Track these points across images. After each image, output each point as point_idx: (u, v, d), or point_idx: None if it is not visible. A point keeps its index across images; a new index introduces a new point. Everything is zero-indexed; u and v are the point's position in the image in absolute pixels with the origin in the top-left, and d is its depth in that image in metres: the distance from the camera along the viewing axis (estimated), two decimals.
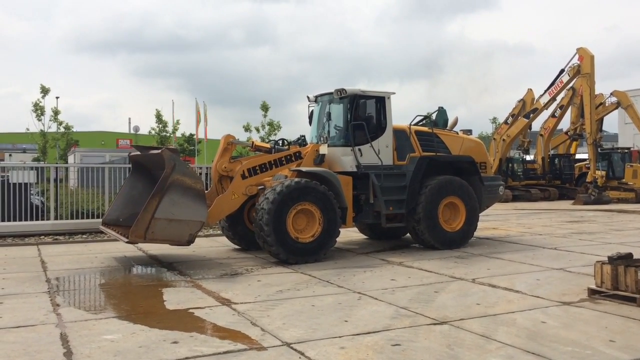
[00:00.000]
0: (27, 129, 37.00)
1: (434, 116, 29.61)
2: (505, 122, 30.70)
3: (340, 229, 9.99)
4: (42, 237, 12.81)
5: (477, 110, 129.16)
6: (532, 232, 14.08)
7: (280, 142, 11.74)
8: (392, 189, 10.60)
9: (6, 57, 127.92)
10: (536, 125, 31.44)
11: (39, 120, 33.94)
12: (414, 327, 5.66)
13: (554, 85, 27.77)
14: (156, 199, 8.98)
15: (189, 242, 9.42)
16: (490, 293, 7.26)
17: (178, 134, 43.82)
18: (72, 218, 13.53)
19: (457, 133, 12.48)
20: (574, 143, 33.27)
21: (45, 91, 33.94)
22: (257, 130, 40.52)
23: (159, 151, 9.52)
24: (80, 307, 6.70)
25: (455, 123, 13.23)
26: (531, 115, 28.81)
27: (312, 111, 11.77)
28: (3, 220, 12.83)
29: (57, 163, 27.06)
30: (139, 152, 10.87)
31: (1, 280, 8.15)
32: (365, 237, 13.01)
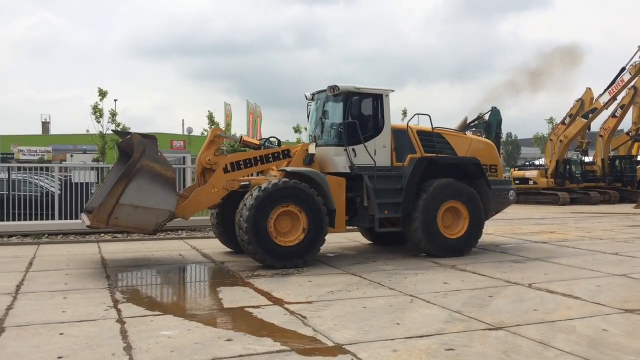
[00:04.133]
0: (87, 131, 38.41)
1: (486, 116, 28.88)
2: (563, 123, 29.76)
3: (326, 233, 9.45)
4: (101, 234, 13.29)
5: (532, 110, 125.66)
6: (592, 237, 13.57)
7: (275, 140, 11.27)
8: (387, 192, 10.01)
9: (68, 62, 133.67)
10: (595, 125, 30.37)
11: (98, 122, 35.17)
12: (468, 332, 5.55)
13: (615, 84, 26.73)
14: (122, 184, 8.66)
15: (155, 231, 9.17)
16: (547, 299, 7.04)
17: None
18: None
19: (465, 133, 11.77)
20: (636, 144, 31.90)
21: (103, 94, 35.14)
22: (307, 129, 40.74)
23: (129, 136, 9.21)
24: (138, 303, 6.90)
25: (464, 124, 12.89)
26: (590, 115, 27.83)
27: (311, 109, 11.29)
28: (66, 219, 13.40)
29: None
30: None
31: (64, 276, 8.52)
32: (369, 242, 12.38)
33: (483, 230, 10.80)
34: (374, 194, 9.80)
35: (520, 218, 19.73)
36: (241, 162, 10.00)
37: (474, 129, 28.08)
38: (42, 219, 13.21)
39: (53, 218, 13.34)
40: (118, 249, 11.49)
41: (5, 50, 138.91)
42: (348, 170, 9.97)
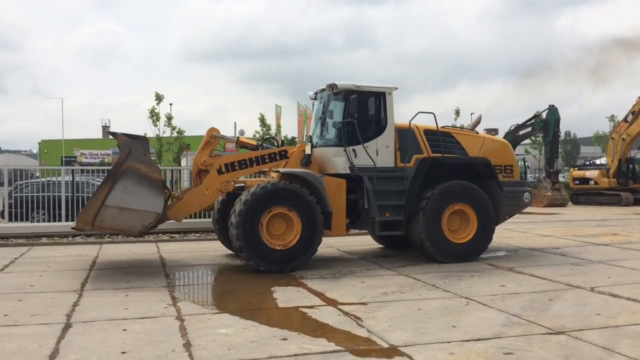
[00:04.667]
0: (145, 134, 39.72)
1: (544, 115, 27.96)
2: (625, 120, 28.48)
3: (322, 236, 9.18)
4: (159, 234, 13.69)
5: (592, 108, 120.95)
6: None
7: (276, 141, 10.91)
8: (389, 194, 9.59)
9: (127, 69, 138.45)
10: None
11: (155, 125, 36.25)
12: (527, 336, 5.41)
13: None
14: (107, 185, 8.54)
15: (141, 233, 9.00)
16: (611, 303, 6.77)
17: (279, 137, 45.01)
18: (185, 218, 14.30)
19: (477, 132, 11.19)
20: None
21: (159, 98, 36.16)
22: None
23: (115, 136, 9.04)
24: (196, 301, 7.08)
25: (477, 122, 11.97)
26: None
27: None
28: None
29: (171, 166, 28.84)
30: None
31: (126, 274, 8.83)
32: (381, 246, 11.90)
33: (494, 234, 10.20)
34: (374, 196, 9.42)
35: (581, 220, 19.04)
36: (236, 164, 9.72)
37: (530, 128, 27.36)
38: None
39: None
40: (175, 249, 11.81)
41: (69, 58, 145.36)
42: (348, 172, 9.63)
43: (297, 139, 40.41)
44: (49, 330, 5.60)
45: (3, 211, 13.76)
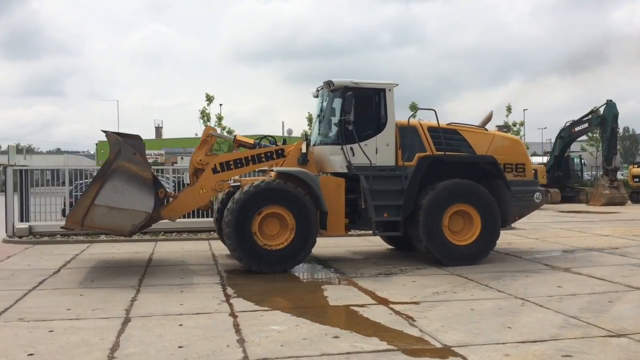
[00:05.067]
0: (196, 134, 40.58)
1: (601, 110, 26.94)
2: None
3: (316, 236, 8.97)
4: (211, 232, 13.96)
5: None
6: None
7: (272, 139, 10.68)
8: (386, 193, 9.29)
9: (178, 71, 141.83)
10: None
11: (205, 125, 37.05)
12: (586, 339, 5.24)
13: None
14: (97, 185, 8.50)
15: (132, 232, 8.89)
16: None
17: None
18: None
19: (486, 129, 10.64)
20: None
21: (210, 99, 36.84)
22: None
23: (106, 135, 9.00)
24: (248, 298, 7.19)
25: (488, 119, 11.18)
26: None
27: None
28: (180, 218, 14.19)
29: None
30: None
31: (180, 271, 9.07)
32: (390, 247, 11.57)
33: (499, 236, 9.74)
34: (370, 195, 9.17)
35: None
36: (231, 163, 9.58)
37: (586, 124, 26.43)
38: None
39: None
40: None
41: (123, 61, 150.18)
42: (345, 170, 9.40)
43: None
44: (109, 324, 5.81)
45: (64, 209, 14.34)
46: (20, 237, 13.25)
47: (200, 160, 9.79)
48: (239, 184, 9.69)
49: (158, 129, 69.89)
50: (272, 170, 9.55)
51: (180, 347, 5.06)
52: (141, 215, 8.69)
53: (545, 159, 37.06)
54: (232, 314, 6.25)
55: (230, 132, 42.42)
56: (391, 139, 9.53)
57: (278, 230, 8.82)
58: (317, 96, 10.44)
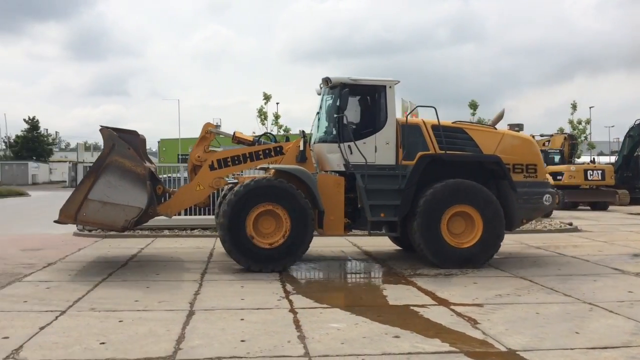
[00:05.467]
0: (253, 132, 41.29)
1: None
2: None
3: (312, 235, 8.81)
4: None
5: None
6: None
7: (271, 136, 10.50)
8: (383, 193, 9.06)
9: (236, 70, 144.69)
10: None
11: (263, 124, 37.61)
12: None
13: None
14: (90, 179, 8.47)
15: (124, 228, 8.83)
16: None
17: None
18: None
19: (495, 128, 10.16)
20: None
21: (267, 98, 37.44)
22: None
23: (100, 130, 8.96)
24: (307, 295, 7.25)
25: (499, 118, 10.66)
26: None
27: None
28: None
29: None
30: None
31: (240, 267, 9.23)
32: (399, 248, 11.20)
33: (502, 239, 9.26)
34: (367, 194, 8.99)
35: None
36: (229, 160, 9.49)
37: None
38: None
39: None
40: None
41: (184, 61, 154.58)
42: (343, 169, 9.23)
43: None
44: (174, 317, 6.00)
45: None
46: (89, 230, 13.86)
47: (199, 156, 9.75)
48: (236, 181, 9.66)
49: (217, 128, 71.38)
50: (271, 168, 9.45)
51: (242, 341, 5.16)
52: (134, 210, 8.67)
53: (613, 159, 35.47)
54: (292, 310, 6.32)
55: (287, 130, 42.94)
56: (391, 137, 9.29)
57: (274, 229, 8.72)
58: (319, 93, 10.28)
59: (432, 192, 8.89)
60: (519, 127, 10.45)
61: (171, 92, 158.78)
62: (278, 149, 9.64)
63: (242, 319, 5.91)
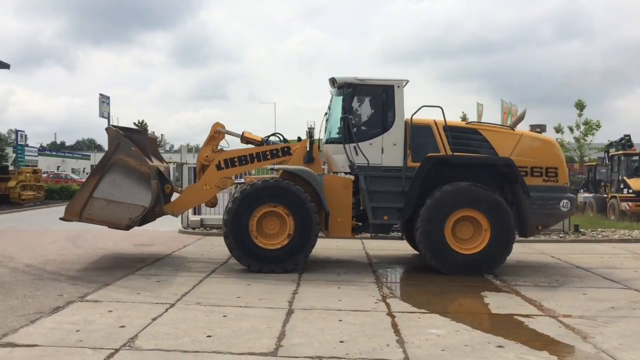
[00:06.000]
0: None
1: None
2: None
3: (316, 237, 8.71)
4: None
5: None
6: None
7: (280, 137, 10.25)
8: (387, 195, 8.94)
9: (329, 73, 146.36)
10: None
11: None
12: None
13: None
14: (95, 178, 8.50)
15: (128, 226, 8.81)
16: None
17: None
18: None
19: (514, 129, 9.52)
20: None
21: None
22: (571, 130, 37.21)
23: (106, 129, 8.96)
24: (404, 299, 7.18)
25: (520, 118, 10.05)
26: None
27: None
28: None
29: None
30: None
31: (336, 267, 9.34)
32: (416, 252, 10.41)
33: (512, 245, 8.84)
34: (368, 196, 8.91)
35: None
36: (236, 160, 9.54)
37: None
38: None
39: None
40: (379, 246, 12.11)
41: (278, 65, 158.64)
42: (348, 170, 9.11)
43: None
44: (274, 314, 6.16)
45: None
46: (193, 228, 14.60)
47: (207, 156, 9.81)
48: (244, 181, 9.71)
49: (310, 130, 72.59)
50: (278, 168, 9.44)
51: (341, 341, 5.19)
52: (138, 209, 8.79)
53: None
54: (390, 314, 6.27)
55: None
56: (399, 138, 9.08)
57: (278, 230, 8.71)
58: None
59: (435, 196, 8.69)
60: (540, 128, 9.86)
61: (267, 96, 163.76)
62: (286, 149, 9.69)
63: (340, 320, 5.96)
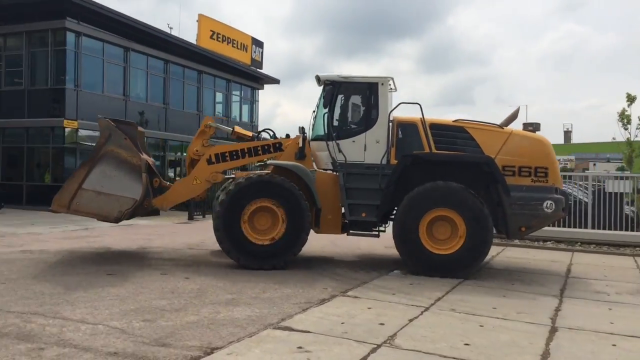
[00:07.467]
0: (613, 138, 37.00)
1: None
2: None
3: (308, 233, 8.72)
4: (636, 248, 12.47)
5: None
6: None
7: (271, 133, 10.13)
8: (364, 192, 8.92)
9: (590, 71, 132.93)
10: None
11: (625, 129, 33.41)
12: None
13: None
14: (85, 169, 8.15)
15: (118, 219, 8.34)
16: None
17: None
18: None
19: (503, 127, 9.10)
20: None
21: (631, 100, 33.15)
22: None
23: (98, 120, 8.60)
24: None
25: (513, 117, 9.39)
26: None
27: None
28: (599, 228, 13.20)
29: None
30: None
31: (604, 287, 8.39)
32: None
33: (490, 247, 8.63)
34: (346, 193, 8.90)
35: None
36: (227, 154, 9.43)
37: None
38: (575, 227, 13.39)
39: (586, 227, 13.32)
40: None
41: (529, 65, 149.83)
42: (330, 167, 9.16)
43: None
44: (536, 330, 5.79)
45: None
46: None
47: (197, 150, 9.72)
48: (233, 176, 9.53)
49: (567, 133, 66.90)
50: (270, 164, 9.40)
51: None
52: (128, 202, 8.58)
53: None
54: None
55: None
56: (382, 135, 9.02)
57: (269, 225, 8.68)
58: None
59: (411, 195, 8.55)
60: (533, 126, 9.21)
61: (516, 98, 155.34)
62: (277, 145, 9.64)
63: (613, 345, 5.34)
